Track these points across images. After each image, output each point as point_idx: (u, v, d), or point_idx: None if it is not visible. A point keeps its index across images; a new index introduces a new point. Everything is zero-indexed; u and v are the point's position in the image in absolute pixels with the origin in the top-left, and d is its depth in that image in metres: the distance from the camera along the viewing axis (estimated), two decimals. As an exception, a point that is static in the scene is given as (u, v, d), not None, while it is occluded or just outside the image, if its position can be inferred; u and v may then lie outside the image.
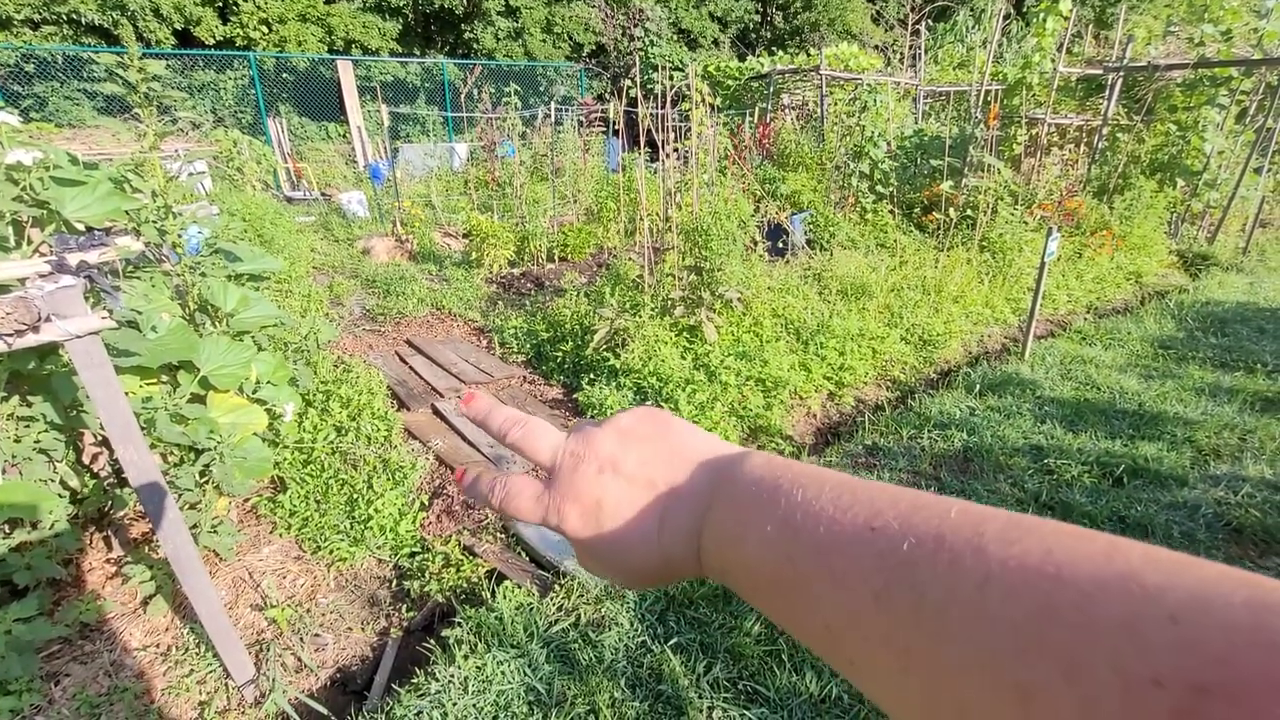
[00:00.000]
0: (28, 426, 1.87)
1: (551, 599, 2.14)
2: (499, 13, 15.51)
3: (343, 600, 2.34)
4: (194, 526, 2.17)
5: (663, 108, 4.43)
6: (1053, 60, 6.71)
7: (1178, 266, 6.97)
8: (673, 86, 4.58)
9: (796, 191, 6.75)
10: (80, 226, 2.05)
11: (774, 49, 16.98)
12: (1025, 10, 14.00)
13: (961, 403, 3.59)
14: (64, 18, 11.64)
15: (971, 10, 15.46)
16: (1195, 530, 2.51)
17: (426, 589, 2.36)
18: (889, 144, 6.57)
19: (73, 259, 1.39)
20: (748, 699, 1.81)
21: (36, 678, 1.83)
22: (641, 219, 4.37)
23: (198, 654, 2.03)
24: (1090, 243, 6.36)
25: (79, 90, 11.70)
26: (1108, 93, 7.34)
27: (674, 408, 3.34)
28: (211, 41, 13.03)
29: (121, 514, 2.30)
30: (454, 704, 1.77)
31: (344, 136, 12.93)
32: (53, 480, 1.94)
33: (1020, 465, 2.97)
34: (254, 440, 2.36)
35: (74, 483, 2.00)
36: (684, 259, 4.23)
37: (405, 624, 2.24)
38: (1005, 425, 3.30)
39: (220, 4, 13.11)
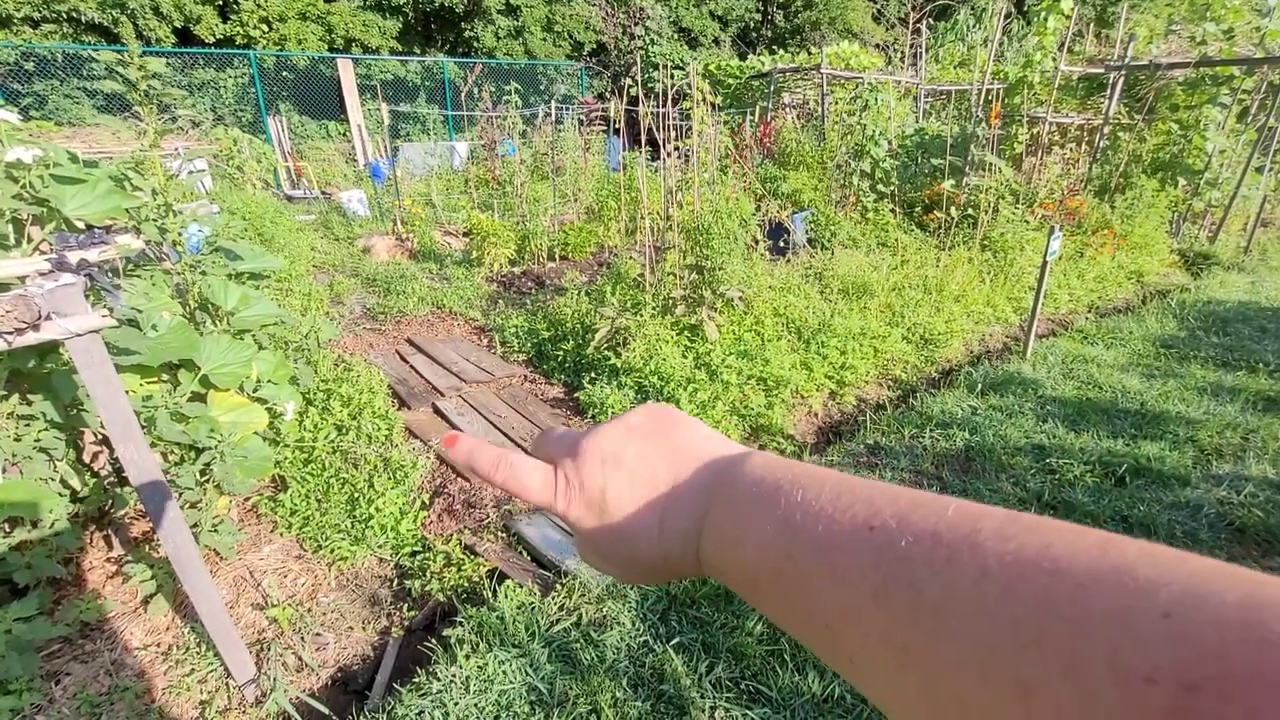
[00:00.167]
0: (28, 425, 1.87)
1: (553, 598, 2.14)
2: (499, 11, 15.49)
3: (344, 599, 2.34)
4: (194, 525, 2.16)
5: (663, 106, 4.42)
6: (1054, 59, 6.70)
7: (1179, 266, 6.96)
8: (673, 85, 4.57)
9: (797, 190, 6.74)
10: (80, 224, 2.05)
11: (774, 48, 16.98)
12: (1026, 9, 13.98)
13: (963, 402, 3.58)
14: (64, 16, 11.63)
15: (972, 9, 15.44)
16: (1198, 530, 2.50)
17: (428, 588, 2.36)
18: (890, 143, 6.56)
19: (73, 257, 1.39)
20: (750, 699, 1.80)
21: (37, 677, 1.83)
22: (642, 218, 4.36)
23: (198, 653, 2.03)
24: (1091, 242, 6.36)
25: (79, 88, 11.69)
26: (1109, 91, 7.33)
27: (675, 406, 3.33)
28: (211, 40, 13.01)
29: (122, 513, 2.29)
30: (456, 703, 1.76)
31: (344, 135, 12.92)
32: (53, 479, 1.93)
33: (1022, 465, 2.96)
34: (255, 439, 2.35)
35: (74, 481, 2.00)
36: (685, 258, 4.22)
37: (406, 623, 2.24)
38: (1007, 424, 3.30)
39: (220, 2, 13.09)
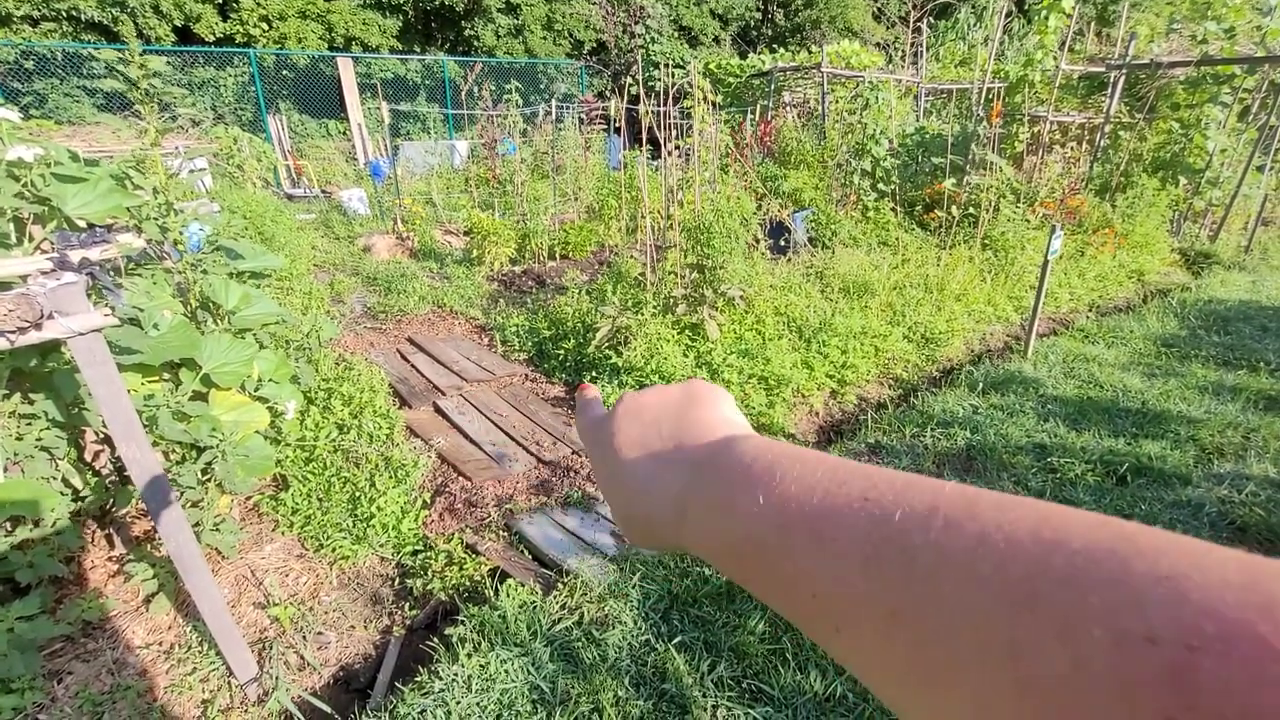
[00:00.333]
0: (29, 424, 1.87)
1: (555, 597, 2.14)
2: (499, 10, 15.47)
3: (345, 598, 2.34)
4: (196, 524, 2.16)
5: (664, 105, 4.41)
6: (1055, 58, 6.69)
7: (1180, 265, 6.96)
8: (674, 84, 4.57)
9: (798, 189, 6.74)
10: (82, 223, 2.05)
11: (775, 46, 16.95)
12: (1027, 7, 13.96)
13: (964, 401, 3.58)
14: (63, 14, 11.61)
15: (973, 8, 15.42)
16: (1199, 529, 2.50)
17: (429, 587, 2.36)
18: (891, 142, 6.55)
19: (74, 256, 1.39)
20: (752, 697, 1.80)
21: (39, 675, 1.83)
22: (643, 217, 4.36)
23: (200, 652, 2.03)
24: (1092, 241, 6.35)
25: (78, 87, 11.67)
26: (1110, 90, 7.32)
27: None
28: (211, 38, 12.99)
29: (123, 512, 2.29)
30: (458, 702, 1.76)
31: (344, 134, 12.90)
32: (54, 478, 1.93)
33: (1024, 464, 2.96)
34: (256, 438, 2.35)
35: (76, 480, 2.00)
36: (686, 257, 4.22)
37: (408, 622, 2.24)
38: (1008, 423, 3.30)
39: (220, 1, 13.07)
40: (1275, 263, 6.84)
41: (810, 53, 12.16)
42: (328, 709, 1.90)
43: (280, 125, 11.23)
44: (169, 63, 11.47)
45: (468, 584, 2.37)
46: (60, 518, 1.90)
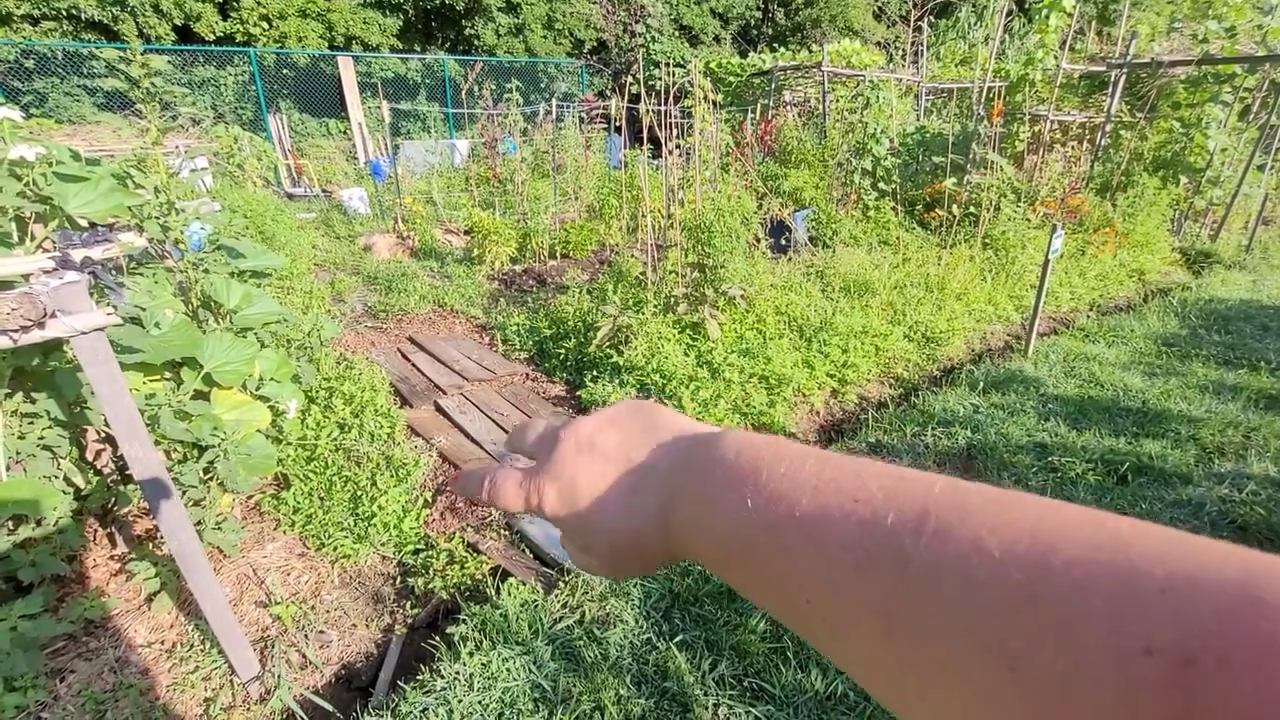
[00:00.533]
0: (31, 423, 1.87)
1: (556, 596, 2.14)
2: (500, 9, 15.46)
3: (347, 597, 2.34)
4: (198, 523, 2.16)
5: (665, 104, 4.41)
6: (1055, 57, 6.69)
7: (1180, 264, 6.95)
8: (675, 83, 4.56)
9: (799, 188, 6.74)
10: (83, 222, 2.05)
11: (775, 45, 16.93)
12: (1028, 6, 13.95)
13: (965, 400, 3.58)
14: (64, 13, 11.60)
15: (974, 7, 15.41)
16: (1200, 528, 2.50)
17: (431, 586, 2.36)
18: (891, 141, 6.54)
19: (77, 255, 1.39)
20: (753, 696, 1.81)
21: (41, 674, 1.83)
22: (644, 216, 4.36)
23: (202, 651, 2.03)
24: (1093, 240, 6.35)
25: (79, 86, 11.67)
26: (1111, 89, 7.32)
27: (678, 405, 3.34)
28: (211, 37, 12.98)
29: (125, 510, 2.30)
30: (459, 701, 1.77)
31: (345, 133, 12.91)
32: (56, 477, 1.93)
33: (1024, 463, 2.96)
34: (257, 437, 2.36)
35: (77, 479, 2.00)
36: (687, 256, 4.22)
37: (410, 621, 2.24)
38: (1009, 423, 3.30)
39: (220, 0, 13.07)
40: (1276, 262, 6.84)
41: (811, 52, 12.15)
42: (330, 707, 1.91)
43: (281, 124, 11.23)
44: (169, 62, 11.44)
45: (469, 583, 2.37)
46: (62, 516, 1.90)
